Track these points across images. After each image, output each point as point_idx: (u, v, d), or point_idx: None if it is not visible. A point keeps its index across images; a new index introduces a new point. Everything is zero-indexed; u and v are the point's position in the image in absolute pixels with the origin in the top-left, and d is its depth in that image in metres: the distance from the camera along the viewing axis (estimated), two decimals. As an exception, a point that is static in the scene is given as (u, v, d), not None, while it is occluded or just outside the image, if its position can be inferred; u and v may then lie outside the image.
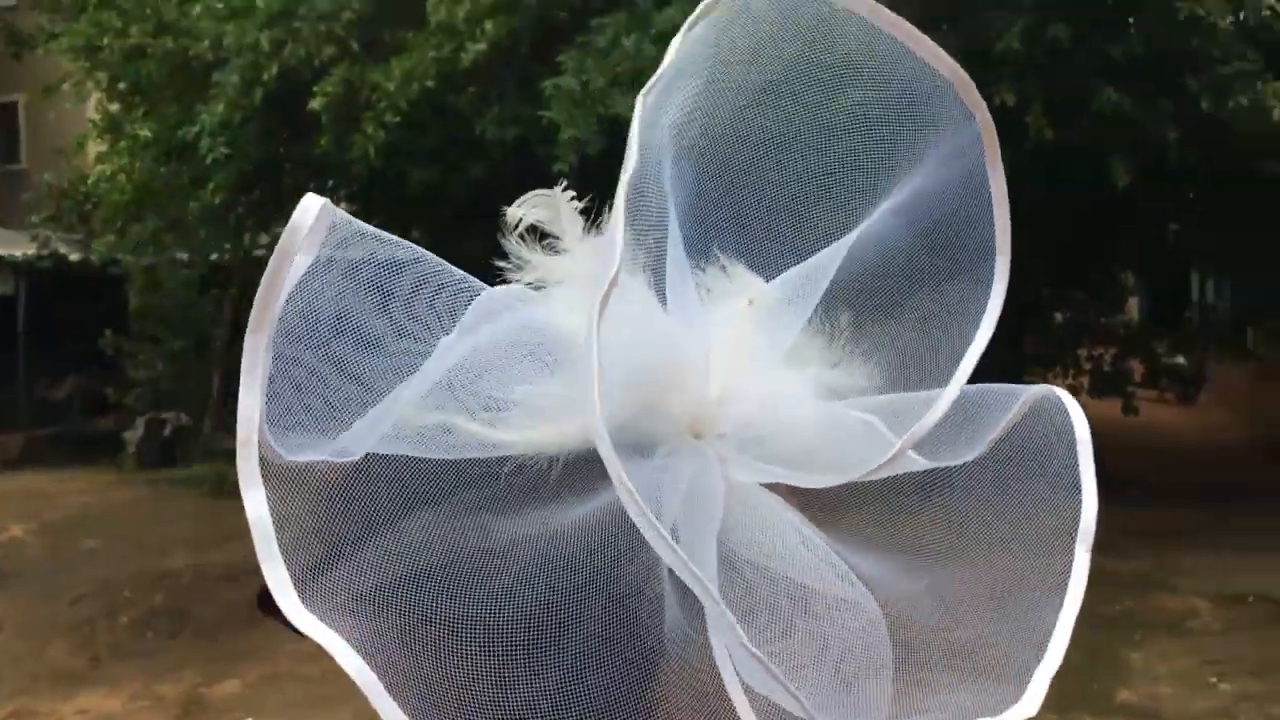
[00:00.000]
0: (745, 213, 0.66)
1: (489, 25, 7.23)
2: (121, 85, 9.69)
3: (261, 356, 0.56)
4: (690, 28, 0.57)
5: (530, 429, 0.56)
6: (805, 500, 0.64)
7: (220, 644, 6.35)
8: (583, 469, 0.56)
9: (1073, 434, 0.69)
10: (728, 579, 0.57)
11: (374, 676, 0.52)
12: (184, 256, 12.10)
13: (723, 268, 0.64)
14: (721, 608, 0.47)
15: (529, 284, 0.59)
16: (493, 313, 0.61)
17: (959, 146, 0.63)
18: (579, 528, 0.55)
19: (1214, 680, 5.81)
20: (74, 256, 14.50)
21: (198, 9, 8.39)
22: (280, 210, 11.04)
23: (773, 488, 0.62)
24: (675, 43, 0.57)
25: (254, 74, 7.89)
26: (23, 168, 17.93)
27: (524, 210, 0.62)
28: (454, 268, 0.65)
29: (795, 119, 0.64)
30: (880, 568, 0.64)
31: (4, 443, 14.18)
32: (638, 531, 0.54)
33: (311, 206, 0.59)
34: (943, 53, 0.62)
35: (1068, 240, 10.51)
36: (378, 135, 7.37)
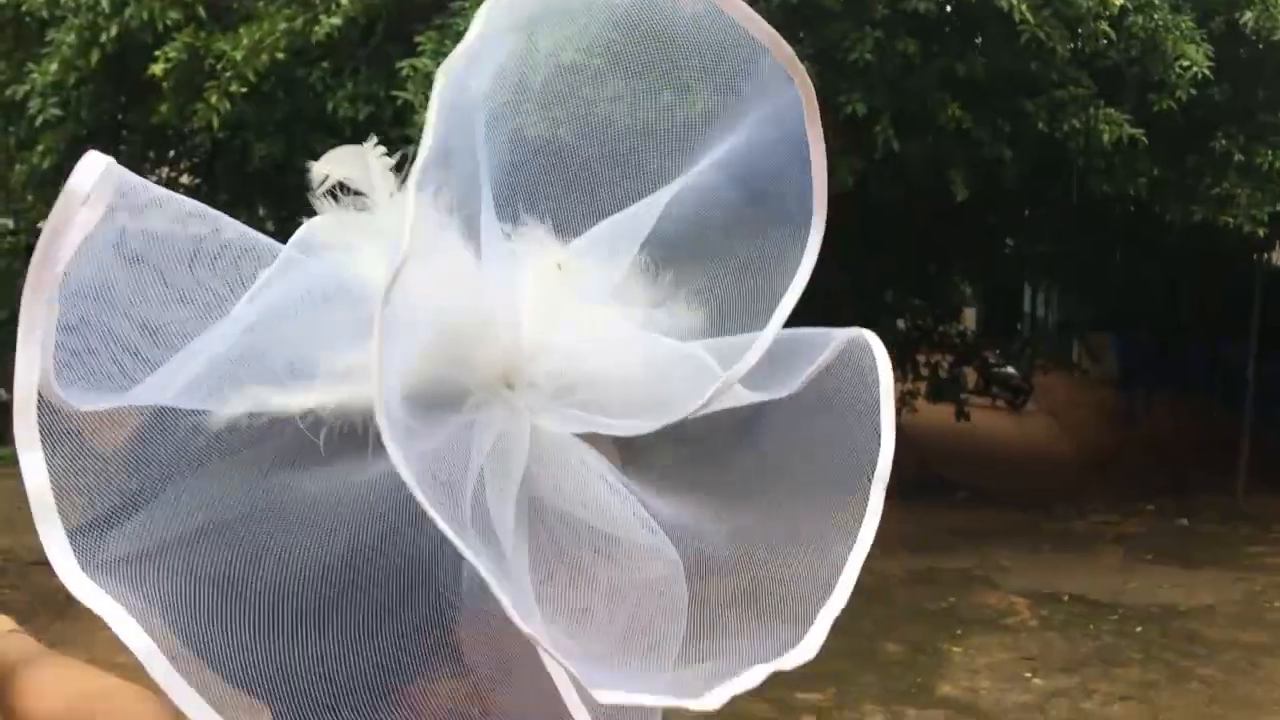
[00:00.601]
0: (555, 176, 0.67)
1: (345, 0, 7.06)
2: (-56, 38, 9.12)
3: (41, 318, 0.55)
4: None
5: (334, 391, 0.55)
6: (622, 447, 0.65)
7: (33, 632, 6.03)
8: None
9: (876, 377, 0.69)
10: (534, 530, 0.58)
11: (153, 644, 0.51)
12: (8, 223, 11.45)
13: (530, 231, 0.65)
14: (491, 577, 0.47)
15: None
16: (307, 247, 0.61)
17: (778, 109, 0.64)
18: (375, 485, 0.54)
19: (1029, 675, 6.09)
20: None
21: (33, -37, 7.95)
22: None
23: (591, 438, 0.61)
24: (483, 11, 0.56)
25: (92, 34, 7.51)
26: None
27: (330, 166, 0.60)
28: (257, 233, 0.64)
29: (607, 82, 0.65)
30: (686, 512, 0.64)
31: None
32: (464, 479, 0.54)
33: (94, 167, 0.57)
34: (756, 16, 0.62)
35: (911, 249, 10.88)
36: (222, 105, 7.11)
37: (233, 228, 0.64)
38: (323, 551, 0.54)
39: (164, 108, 7.50)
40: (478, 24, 0.56)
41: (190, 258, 0.61)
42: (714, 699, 0.53)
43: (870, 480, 0.66)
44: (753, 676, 0.55)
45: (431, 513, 0.47)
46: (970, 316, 18.38)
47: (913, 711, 5.55)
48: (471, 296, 0.58)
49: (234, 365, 0.57)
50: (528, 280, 0.62)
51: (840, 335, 0.70)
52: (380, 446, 0.51)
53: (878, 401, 0.69)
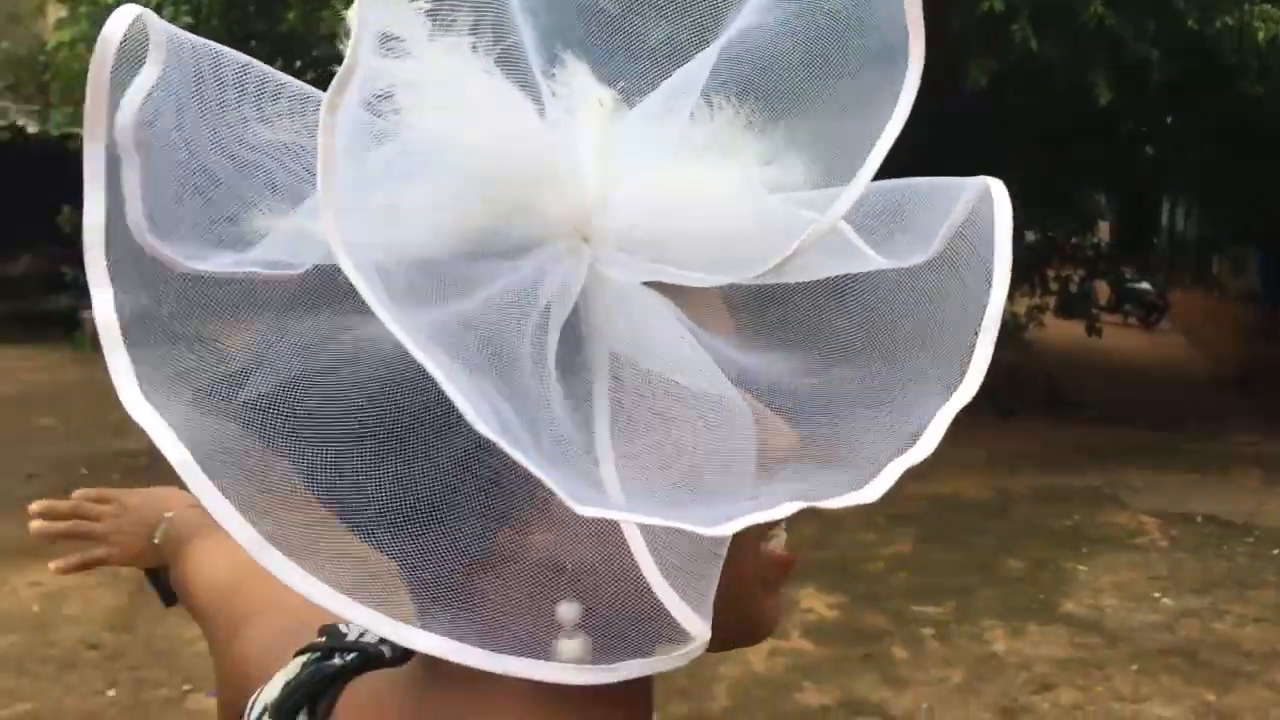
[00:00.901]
0: (594, 31, 0.64)
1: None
2: (82, -51, 9.36)
3: (100, 161, 0.58)
4: None
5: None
6: (729, 302, 0.64)
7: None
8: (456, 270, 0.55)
9: (993, 222, 0.64)
10: (601, 377, 0.58)
11: (189, 456, 0.53)
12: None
13: (573, 72, 0.61)
14: (482, 425, 0.46)
15: (376, 94, 0.56)
16: None
17: None
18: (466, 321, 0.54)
19: (1158, 595, 5.95)
20: (31, 128, 14.10)
21: None
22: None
23: (692, 293, 0.60)
24: None
25: (221, -58, 7.64)
26: (-21, 35, 17.35)
27: (360, 10, 0.58)
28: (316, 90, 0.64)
29: None
30: (772, 366, 0.63)
31: (-42, 317, 13.96)
32: (521, 327, 0.54)
33: (126, 16, 0.58)
34: None
35: (1044, 158, 10.47)
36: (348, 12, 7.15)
37: (295, 83, 0.64)
38: (403, 392, 0.54)
39: (291, 15, 7.58)
40: None
41: (264, 108, 0.62)
42: (727, 528, 0.50)
43: (978, 331, 0.62)
44: (782, 510, 0.52)
45: (438, 375, 0.46)
46: (1103, 230, 17.69)
47: (1034, 627, 5.47)
48: (527, 138, 0.57)
49: (301, 217, 0.58)
50: (584, 126, 0.60)
51: (970, 188, 0.65)
52: (440, 289, 0.51)
53: (992, 249, 0.64)
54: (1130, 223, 18.32)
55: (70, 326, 13.16)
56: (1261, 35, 6.63)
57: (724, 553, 0.56)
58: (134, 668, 4.98)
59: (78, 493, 1.28)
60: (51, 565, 1.27)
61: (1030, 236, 12.55)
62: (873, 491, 0.55)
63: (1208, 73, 7.74)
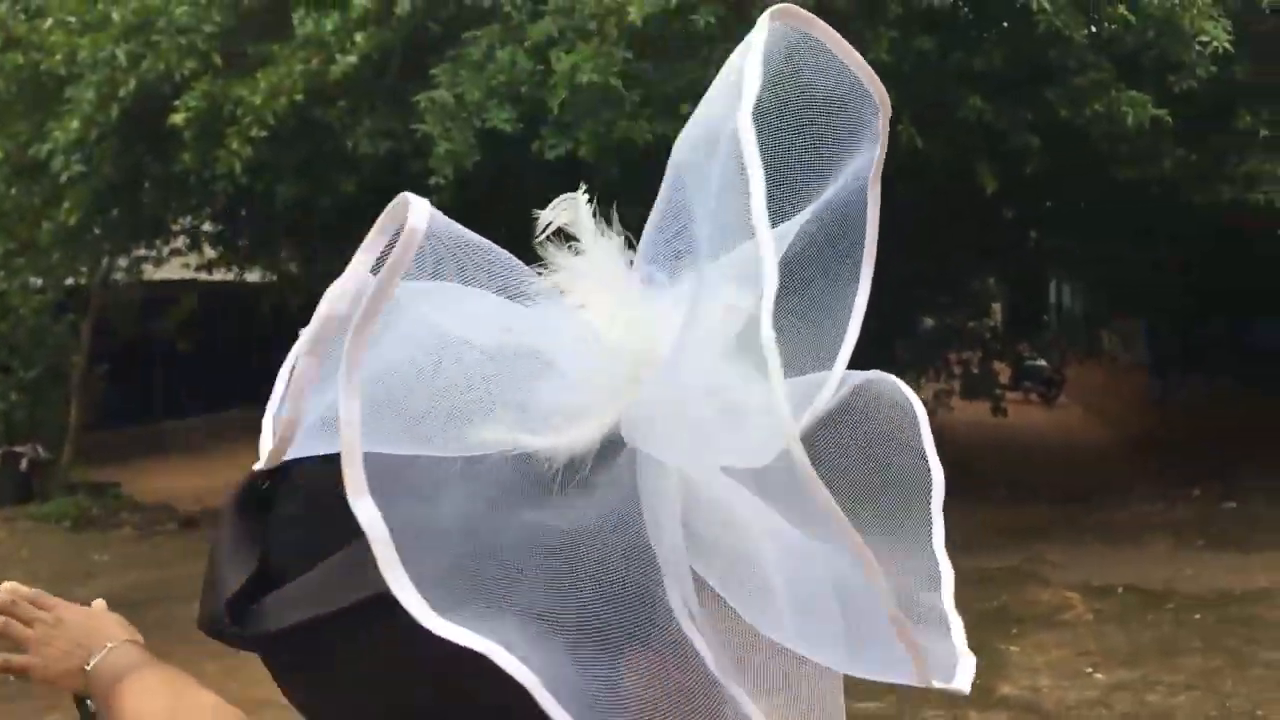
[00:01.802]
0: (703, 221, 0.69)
1: (359, 38, 7.09)
2: (-34, 102, 9.23)
3: (363, 359, 0.53)
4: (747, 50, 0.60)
5: (557, 433, 0.59)
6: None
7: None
8: (596, 463, 0.59)
9: (913, 411, 0.72)
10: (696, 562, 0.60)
11: (535, 677, 0.52)
12: (37, 281, 11.55)
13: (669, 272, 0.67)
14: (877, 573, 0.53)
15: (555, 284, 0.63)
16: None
17: (860, 166, 0.67)
18: (602, 522, 0.58)
19: (1090, 670, 6.01)
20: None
21: (49, 22, 8.04)
22: (139, 231, 10.63)
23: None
24: (743, 65, 0.58)
25: (110, 89, 7.60)
26: None
27: (552, 214, 0.65)
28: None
29: (760, 140, 0.67)
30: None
31: None
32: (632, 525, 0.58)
33: (422, 211, 0.55)
34: (875, 77, 0.65)
35: (936, 248, 10.82)
36: (243, 151, 7.15)
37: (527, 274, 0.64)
38: (586, 584, 0.57)
39: (186, 156, 7.56)
40: (749, 78, 0.58)
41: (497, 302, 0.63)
42: (963, 681, 0.60)
43: (929, 501, 0.69)
44: (969, 662, 0.62)
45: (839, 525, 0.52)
46: (996, 311, 18.26)
47: (975, 715, 5.47)
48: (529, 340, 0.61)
49: (491, 409, 0.58)
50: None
51: (853, 378, 0.71)
52: (600, 485, 0.57)
53: (919, 435, 0.71)
54: (1021, 303, 18.93)
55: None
56: (1130, 120, 6.97)
57: None
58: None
59: (7, 585, 1.19)
60: None
61: (929, 323, 12.88)
62: (965, 674, 0.62)
63: (1081, 160, 8.13)
